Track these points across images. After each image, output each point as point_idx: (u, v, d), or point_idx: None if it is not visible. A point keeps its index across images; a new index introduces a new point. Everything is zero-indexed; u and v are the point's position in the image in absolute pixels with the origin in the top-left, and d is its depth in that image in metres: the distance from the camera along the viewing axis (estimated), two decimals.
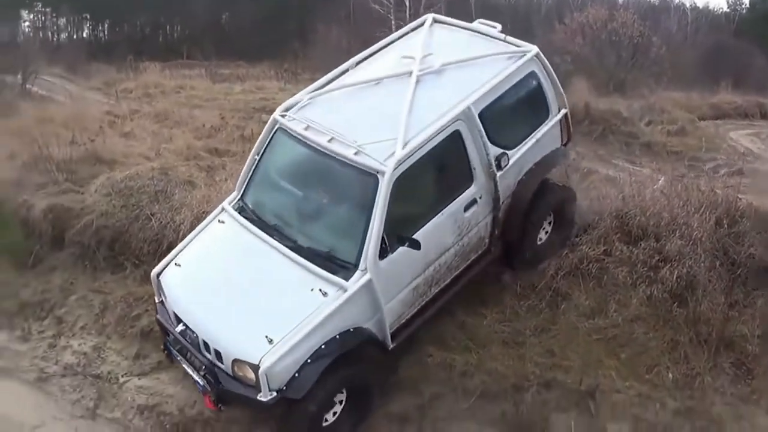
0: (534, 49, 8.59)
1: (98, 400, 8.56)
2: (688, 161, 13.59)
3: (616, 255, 9.46)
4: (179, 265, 7.95)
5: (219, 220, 8.16)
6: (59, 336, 9.82)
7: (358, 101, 8.10)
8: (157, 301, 8.08)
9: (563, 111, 8.98)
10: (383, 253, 7.33)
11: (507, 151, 8.32)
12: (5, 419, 8.39)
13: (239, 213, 8.08)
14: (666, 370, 8.40)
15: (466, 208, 8.09)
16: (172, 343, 7.82)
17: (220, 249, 8.01)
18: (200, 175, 12.24)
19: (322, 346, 7.08)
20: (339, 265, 7.36)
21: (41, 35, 47.65)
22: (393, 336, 7.80)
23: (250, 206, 8.15)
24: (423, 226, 7.67)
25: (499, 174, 8.23)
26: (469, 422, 8.05)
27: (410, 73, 8.10)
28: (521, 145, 8.54)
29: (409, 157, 7.41)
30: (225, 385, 7.23)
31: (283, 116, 7.99)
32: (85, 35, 48.71)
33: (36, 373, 9.16)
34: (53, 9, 50.05)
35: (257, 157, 8.25)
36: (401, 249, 7.43)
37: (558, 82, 8.88)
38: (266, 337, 7.00)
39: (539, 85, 8.70)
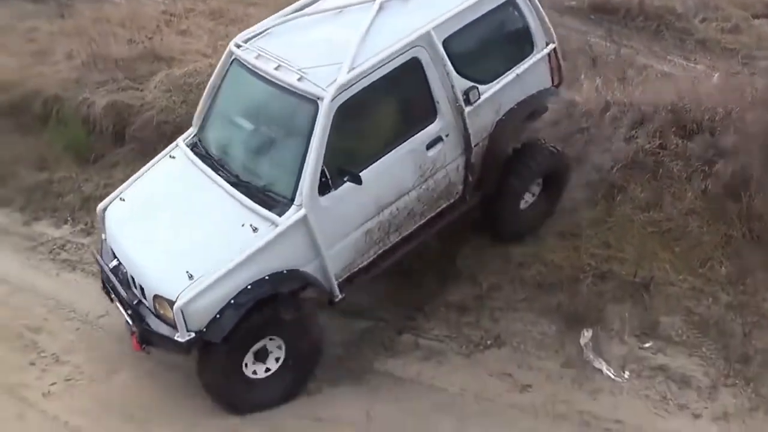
0: None
1: None
2: (743, 59, 13.46)
3: (671, 148, 9.53)
4: (123, 200, 7.76)
5: (170, 156, 7.92)
6: None
7: (315, 31, 7.59)
8: (102, 238, 7.93)
9: (551, 46, 8.22)
10: (324, 188, 6.86)
11: (478, 86, 7.63)
12: (71, 309, 9.00)
13: (191, 149, 7.78)
14: (719, 264, 8.63)
15: (429, 147, 7.48)
16: (107, 282, 7.63)
17: (165, 185, 7.75)
18: None
19: (248, 287, 6.71)
20: (275, 201, 6.94)
21: None
22: (343, 286, 7.40)
23: (201, 142, 7.85)
24: (373, 162, 7.14)
25: (468, 109, 7.55)
26: (526, 312, 8.39)
27: (374, 1, 7.53)
28: (497, 80, 7.83)
29: (354, 83, 6.86)
30: (149, 324, 6.99)
31: (238, 47, 7.61)
32: None
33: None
34: None
35: (213, 91, 7.93)
36: (347, 186, 6.94)
37: (543, 13, 8.15)
38: (187, 272, 6.67)
39: (520, 15, 7.98)
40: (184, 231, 7.15)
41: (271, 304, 6.86)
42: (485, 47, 7.93)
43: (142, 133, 11.32)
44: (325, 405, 7.43)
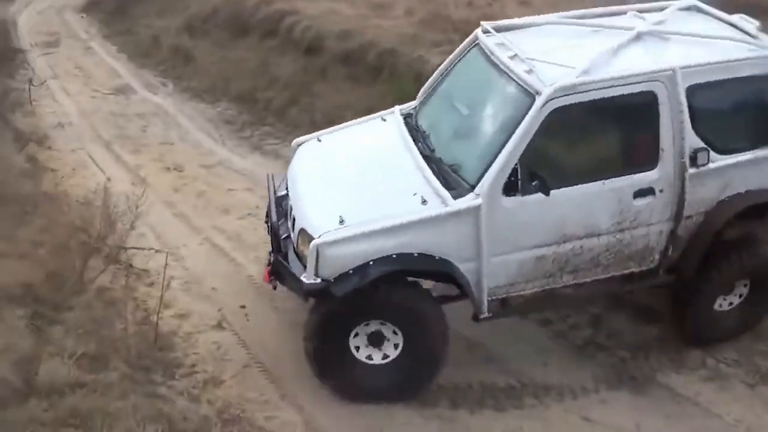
0: None
1: None
2: None
3: None
4: (320, 141, 7.82)
5: (382, 118, 7.87)
6: None
7: (566, 38, 7.23)
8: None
9: None
10: (511, 188, 6.45)
11: (710, 150, 6.80)
12: None
13: (405, 117, 7.67)
14: None
15: (638, 195, 6.77)
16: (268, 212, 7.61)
17: (363, 140, 7.70)
18: None
19: (394, 255, 6.39)
20: (457, 183, 6.60)
21: None
22: (494, 307, 6.97)
23: (417, 114, 7.73)
24: (573, 184, 6.63)
25: (691, 171, 6.75)
26: None
27: (633, 29, 7.09)
28: (736, 153, 6.93)
29: (579, 92, 6.46)
30: (286, 258, 6.84)
31: (485, 32, 7.37)
32: None
33: None
34: None
35: (447, 69, 7.77)
36: (536, 197, 6.46)
37: None
38: (340, 216, 6.45)
39: None
40: (359, 183, 6.99)
41: (410, 287, 6.64)
42: (733, 113, 7.11)
43: None
44: (598, 406, 7.12)
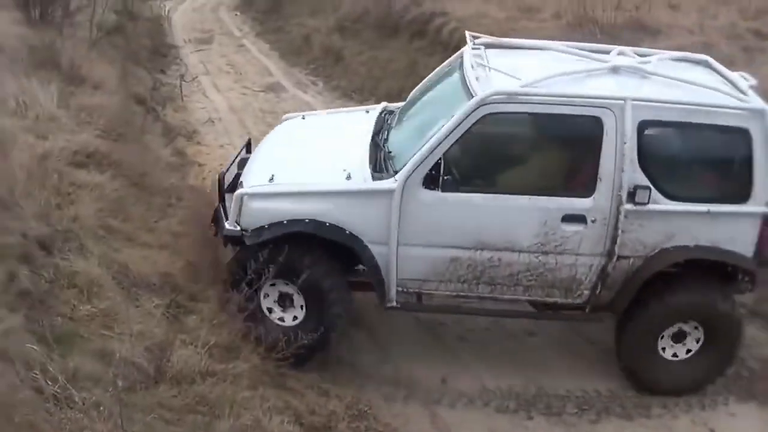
0: (763, 106, 6.64)
1: None
2: None
3: None
4: (303, 119, 8.78)
5: (366, 110, 8.68)
6: None
7: (547, 60, 7.38)
8: None
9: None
10: (431, 182, 6.59)
11: (655, 190, 6.59)
12: None
13: (383, 112, 8.28)
14: None
15: (566, 219, 6.66)
16: None
17: (337, 124, 8.66)
18: (740, 55, 11.91)
19: (307, 220, 6.75)
20: (387, 169, 6.88)
21: None
22: (405, 298, 7.14)
23: (395, 112, 8.27)
24: (499, 192, 6.69)
25: (627, 206, 6.56)
26: None
27: (610, 63, 7.05)
28: (688, 202, 6.70)
29: (518, 101, 6.58)
30: (226, 209, 7.29)
31: (475, 48, 7.69)
32: None
33: None
34: None
35: (434, 76, 8.31)
36: (454, 196, 6.61)
37: None
38: (272, 175, 7.04)
39: (747, 151, 6.61)
40: (306, 155, 7.59)
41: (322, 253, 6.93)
42: (693, 161, 6.96)
43: None
44: (725, 419, 7.10)
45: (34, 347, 5.14)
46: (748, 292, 7.22)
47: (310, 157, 7.61)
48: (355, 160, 7.13)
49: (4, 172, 7.25)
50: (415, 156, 6.65)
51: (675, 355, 7.16)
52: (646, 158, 6.56)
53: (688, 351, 7.15)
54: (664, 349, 7.16)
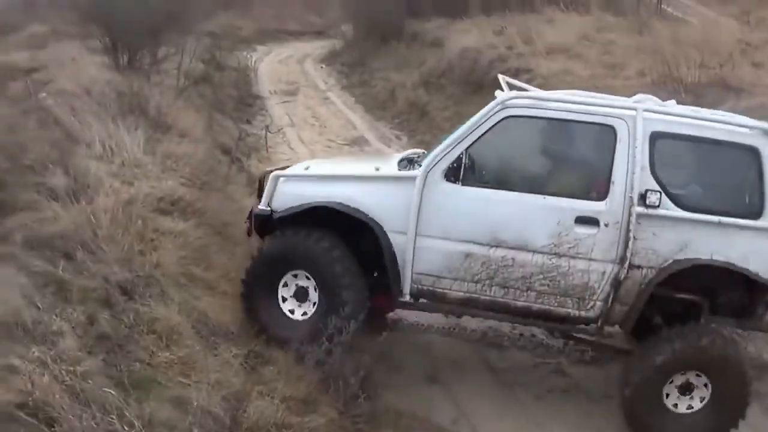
0: None
1: None
2: None
3: None
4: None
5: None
6: None
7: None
8: None
9: None
10: (452, 174, 6.89)
11: (664, 196, 6.67)
12: None
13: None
14: None
15: (580, 221, 6.76)
16: None
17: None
18: None
19: (334, 204, 7.10)
20: (414, 166, 7.29)
21: None
22: (418, 294, 7.24)
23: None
24: (516, 190, 6.93)
25: (639, 209, 6.63)
26: None
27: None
28: (697, 212, 6.70)
29: (537, 107, 6.97)
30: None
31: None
32: None
33: None
34: None
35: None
36: (475, 190, 6.88)
37: None
38: (308, 166, 7.86)
39: (758, 170, 6.70)
40: (345, 164, 8.82)
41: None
42: (705, 174, 7.11)
43: None
44: None
45: (111, 391, 5.15)
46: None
47: (346, 164, 8.61)
48: (387, 164, 7.69)
49: (89, 216, 7.38)
50: (438, 147, 7.03)
51: (689, 407, 6.88)
52: (657, 167, 6.72)
53: (689, 407, 6.89)
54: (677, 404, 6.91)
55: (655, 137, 6.73)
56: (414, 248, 7.01)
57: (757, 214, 6.68)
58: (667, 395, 6.81)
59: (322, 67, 25.93)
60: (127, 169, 9.11)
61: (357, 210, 7.04)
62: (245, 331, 7.15)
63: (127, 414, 5.02)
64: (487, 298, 7.08)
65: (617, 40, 17.80)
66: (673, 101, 7.72)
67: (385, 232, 7.01)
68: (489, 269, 6.96)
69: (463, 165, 6.87)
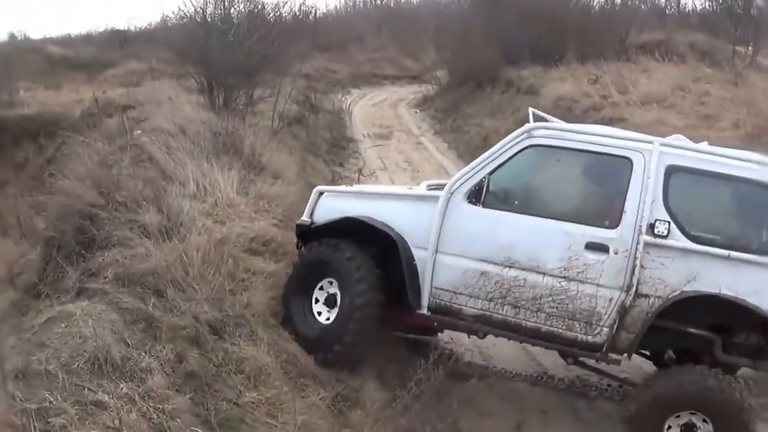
0: None
1: None
2: None
3: None
4: None
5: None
6: None
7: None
8: None
9: None
10: (474, 196, 7.34)
11: (674, 227, 6.83)
12: None
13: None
14: None
15: (590, 247, 6.97)
16: None
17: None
18: None
19: (363, 217, 7.66)
20: (441, 188, 7.67)
21: None
22: (436, 309, 7.47)
23: None
24: (529, 213, 7.26)
25: (647, 238, 6.80)
26: None
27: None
28: (706, 245, 6.78)
29: (559, 137, 7.35)
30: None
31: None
32: None
33: None
34: None
35: None
36: (492, 213, 7.28)
37: None
38: (350, 185, 9.18)
39: None
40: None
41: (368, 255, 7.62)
42: (717, 208, 7.22)
43: None
44: None
45: (199, 430, 5.14)
46: None
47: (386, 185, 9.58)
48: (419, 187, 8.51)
49: (181, 254, 7.46)
50: (461, 171, 7.55)
51: None
52: (670, 198, 6.90)
53: None
54: None
55: (671, 171, 6.94)
56: (434, 263, 7.40)
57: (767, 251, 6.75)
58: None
59: (416, 112, 26.07)
60: (220, 209, 9.22)
61: (383, 224, 7.57)
62: (333, 373, 7.10)
63: None
64: (500, 316, 7.31)
65: (712, 91, 17.55)
66: (706, 143, 7.84)
67: (408, 246, 7.48)
68: (502, 288, 7.24)
69: (485, 188, 7.30)
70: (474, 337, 8.05)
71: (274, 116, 15.00)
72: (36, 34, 58.56)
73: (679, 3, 39.80)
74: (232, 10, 15.70)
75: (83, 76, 28.59)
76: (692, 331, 6.93)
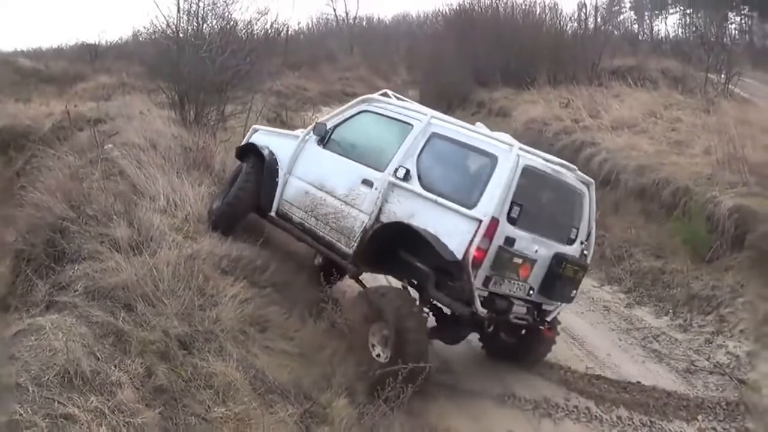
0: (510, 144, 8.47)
1: (737, 405, 8.66)
2: None
3: None
4: None
5: None
6: (717, 334, 10.33)
7: None
8: None
9: (486, 215, 7.98)
10: (321, 140, 9.62)
11: (414, 175, 8.60)
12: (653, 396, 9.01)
13: None
14: None
15: (364, 182, 8.93)
16: None
17: None
18: None
19: (258, 145, 10.31)
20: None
21: (747, 38, 48.54)
22: (280, 212, 9.77)
23: None
24: (342, 155, 9.37)
25: (392, 180, 8.71)
26: None
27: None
28: (430, 192, 8.42)
29: (381, 102, 9.55)
30: None
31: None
32: None
33: (686, 363, 9.74)
34: (760, 13, 50.80)
35: None
36: (325, 152, 9.55)
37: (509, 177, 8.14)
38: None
39: (489, 173, 8.20)
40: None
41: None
42: (450, 165, 8.67)
43: (762, 243, 11.03)
44: None
45: None
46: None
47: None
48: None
49: (151, 269, 7.48)
50: (321, 119, 10.03)
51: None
52: (422, 156, 8.70)
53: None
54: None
55: (432, 136, 8.78)
56: (286, 182, 9.74)
57: (472, 206, 8.07)
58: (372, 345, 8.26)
59: None
60: (191, 224, 9.25)
61: (265, 148, 10.04)
62: (301, 390, 7.13)
63: None
64: (309, 225, 9.42)
65: (684, 118, 17.74)
66: (482, 124, 9.45)
67: (274, 164, 9.88)
68: (313, 204, 9.39)
69: (329, 135, 9.58)
70: (445, 355, 8.65)
71: (245, 132, 15.03)
72: (7, 47, 58.18)
73: (651, 29, 40.52)
74: (204, 26, 15.76)
75: (54, 89, 28.36)
76: (418, 265, 8.47)
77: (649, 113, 18.51)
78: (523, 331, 9.14)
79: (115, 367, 5.88)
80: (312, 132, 9.68)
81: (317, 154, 9.58)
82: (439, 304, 8.79)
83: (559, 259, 8.43)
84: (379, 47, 45.69)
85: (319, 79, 37.71)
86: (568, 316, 10.96)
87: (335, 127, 9.56)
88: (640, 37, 42.13)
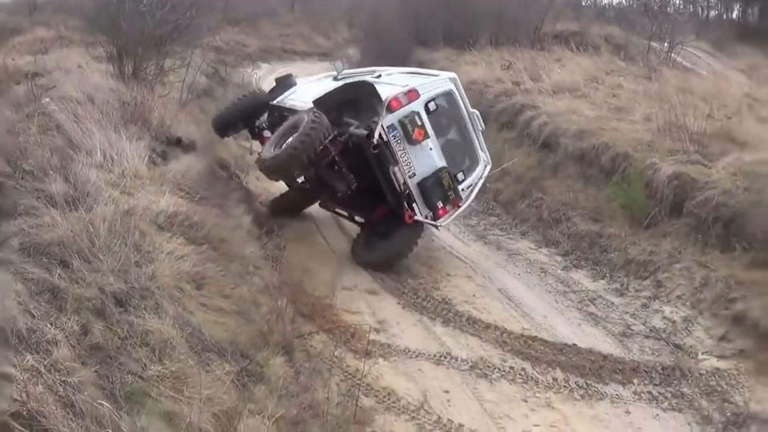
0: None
1: (673, 369, 8.95)
2: None
3: None
4: None
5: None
6: (654, 299, 10.67)
7: None
8: None
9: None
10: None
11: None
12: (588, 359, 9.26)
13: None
14: None
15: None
16: None
17: None
18: None
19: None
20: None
21: (691, 9, 49.14)
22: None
23: None
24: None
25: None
26: None
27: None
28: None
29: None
30: None
31: None
32: (734, 15, 48.65)
33: (622, 327, 10.03)
34: None
35: None
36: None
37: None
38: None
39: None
40: None
41: None
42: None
43: (700, 210, 11.34)
44: None
45: (105, 404, 5.15)
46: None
47: None
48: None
49: (87, 225, 7.40)
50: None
51: None
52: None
53: None
54: None
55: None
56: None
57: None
58: None
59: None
60: (127, 180, 9.15)
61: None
62: (238, 348, 7.16)
63: (124, 429, 5.01)
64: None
65: (625, 84, 18.01)
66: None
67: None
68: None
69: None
70: (377, 318, 8.63)
71: (183, 88, 14.87)
72: None
73: None
74: None
75: None
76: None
77: (591, 78, 18.72)
78: None
79: (51, 324, 5.80)
80: None
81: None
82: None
83: None
84: (321, 4, 45.26)
85: (259, 36, 37.31)
86: (504, 277, 11.19)
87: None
88: (583, 3, 42.27)
